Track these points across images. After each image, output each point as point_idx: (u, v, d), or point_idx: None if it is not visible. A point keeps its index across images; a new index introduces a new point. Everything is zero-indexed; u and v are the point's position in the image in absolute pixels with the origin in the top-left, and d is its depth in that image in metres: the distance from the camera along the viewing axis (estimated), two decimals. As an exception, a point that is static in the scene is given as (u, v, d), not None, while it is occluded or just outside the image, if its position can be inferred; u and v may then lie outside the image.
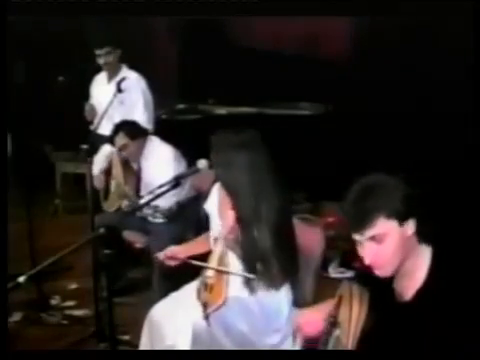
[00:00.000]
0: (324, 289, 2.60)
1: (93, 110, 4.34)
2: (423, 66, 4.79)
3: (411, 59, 4.89)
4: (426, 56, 4.82)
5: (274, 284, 2.48)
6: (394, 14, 3.58)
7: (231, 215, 2.48)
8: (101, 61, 4.21)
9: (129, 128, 3.78)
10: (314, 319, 2.03)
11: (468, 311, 1.66)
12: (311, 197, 5.06)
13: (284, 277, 2.50)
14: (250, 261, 2.44)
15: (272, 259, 2.43)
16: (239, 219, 2.47)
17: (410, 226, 1.73)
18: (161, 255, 2.77)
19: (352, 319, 1.85)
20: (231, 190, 2.53)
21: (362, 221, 1.71)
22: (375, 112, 4.84)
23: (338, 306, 1.91)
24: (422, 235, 1.76)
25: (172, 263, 2.76)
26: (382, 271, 1.76)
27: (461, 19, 3.56)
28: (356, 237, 1.74)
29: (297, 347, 2.42)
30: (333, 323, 1.89)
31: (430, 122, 4.65)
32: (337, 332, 1.86)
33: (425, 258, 1.76)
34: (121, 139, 3.74)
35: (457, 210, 4.12)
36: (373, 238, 1.72)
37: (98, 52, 4.18)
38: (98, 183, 3.90)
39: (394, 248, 1.73)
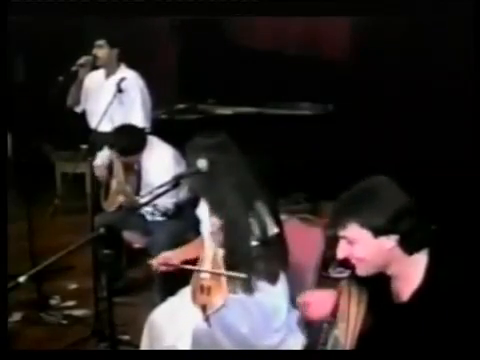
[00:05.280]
0: (324, 289, 2.60)
1: (75, 98, 4.33)
2: (423, 66, 4.79)
3: (411, 59, 4.89)
4: (426, 56, 4.82)
5: (266, 279, 2.49)
6: (394, 14, 3.58)
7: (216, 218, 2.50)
8: (94, 51, 4.18)
9: (122, 147, 3.71)
10: (322, 300, 1.99)
11: (464, 313, 1.65)
12: (311, 197, 5.06)
13: (274, 273, 2.50)
14: (236, 262, 2.45)
15: (259, 255, 2.44)
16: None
17: (389, 241, 1.70)
18: (154, 262, 2.77)
19: (350, 319, 1.84)
20: (200, 195, 2.61)
21: (336, 219, 1.74)
22: (375, 112, 4.85)
23: (337, 306, 1.91)
24: (410, 248, 1.72)
25: (165, 269, 2.76)
26: (357, 270, 1.77)
27: (461, 19, 3.56)
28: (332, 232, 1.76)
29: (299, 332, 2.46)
30: (332, 322, 1.89)
31: (430, 122, 4.65)
32: (336, 332, 1.86)
33: (419, 262, 1.74)
34: (116, 153, 3.76)
35: (454, 212, 4.12)
36: (344, 238, 1.74)
37: (94, 43, 4.17)
38: (99, 173, 3.89)
39: (366, 254, 1.72)
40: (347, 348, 1.82)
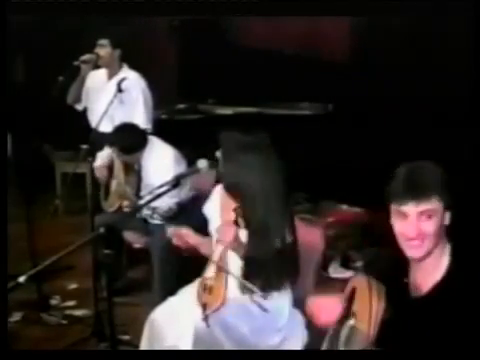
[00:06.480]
0: (324, 289, 2.60)
1: (75, 95, 4.31)
2: (423, 66, 4.78)
3: (411, 59, 4.89)
4: (426, 56, 4.82)
5: (274, 287, 2.48)
6: (394, 14, 3.58)
7: (232, 217, 2.48)
8: (96, 50, 4.17)
9: (123, 145, 3.74)
10: (330, 305, 1.98)
11: None
12: (311, 197, 5.06)
13: (284, 281, 2.50)
14: (251, 264, 2.44)
15: (274, 263, 2.43)
16: (243, 222, 2.46)
17: (448, 216, 1.78)
18: (171, 230, 2.72)
19: (372, 312, 1.82)
20: (238, 192, 2.53)
21: (421, 193, 1.74)
22: (375, 112, 4.84)
23: (351, 298, 1.89)
24: (449, 230, 1.80)
25: (177, 243, 2.70)
26: (418, 250, 1.77)
27: (461, 19, 3.56)
28: (404, 209, 1.75)
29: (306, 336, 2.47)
30: (345, 314, 1.88)
31: (430, 122, 4.65)
32: (351, 322, 1.84)
33: (445, 253, 1.80)
34: (117, 152, 3.76)
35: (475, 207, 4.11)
36: (423, 213, 1.75)
37: (97, 43, 4.17)
38: (100, 174, 3.90)
39: (435, 229, 1.76)
40: (369, 341, 1.80)
